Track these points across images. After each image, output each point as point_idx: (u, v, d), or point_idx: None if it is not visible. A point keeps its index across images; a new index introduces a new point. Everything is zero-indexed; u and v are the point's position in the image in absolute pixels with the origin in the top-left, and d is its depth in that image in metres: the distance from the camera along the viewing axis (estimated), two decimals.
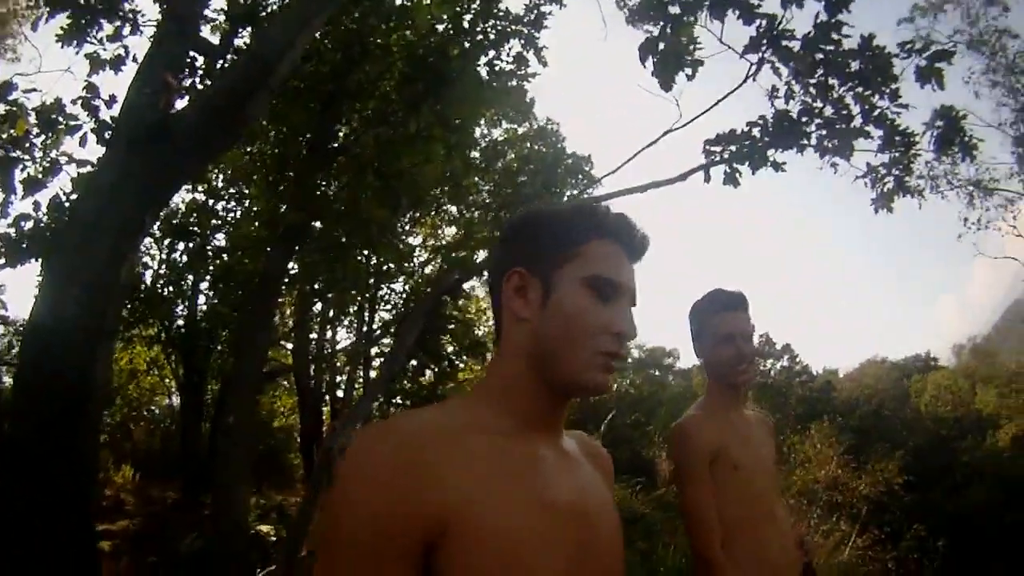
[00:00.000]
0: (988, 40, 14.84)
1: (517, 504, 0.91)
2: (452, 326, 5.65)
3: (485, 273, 6.23)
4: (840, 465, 13.11)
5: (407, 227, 7.89)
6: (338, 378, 11.21)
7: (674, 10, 4.81)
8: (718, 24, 5.03)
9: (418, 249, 7.97)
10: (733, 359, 2.30)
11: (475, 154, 6.96)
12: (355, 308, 8.51)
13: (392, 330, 7.65)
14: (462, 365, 6.74)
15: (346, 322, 9.49)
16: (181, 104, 4.59)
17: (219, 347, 11.31)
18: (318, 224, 6.31)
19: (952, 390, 20.06)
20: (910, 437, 16.50)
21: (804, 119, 5.72)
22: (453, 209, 7.62)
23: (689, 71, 4.92)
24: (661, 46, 4.82)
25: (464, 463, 0.90)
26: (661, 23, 4.84)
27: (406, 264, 7.10)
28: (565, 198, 6.34)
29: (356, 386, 10.48)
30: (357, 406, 5.17)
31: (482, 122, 7.67)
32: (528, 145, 8.36)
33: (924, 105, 6.12)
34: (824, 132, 5.86)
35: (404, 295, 7.67)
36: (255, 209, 7.91)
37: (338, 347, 10.76)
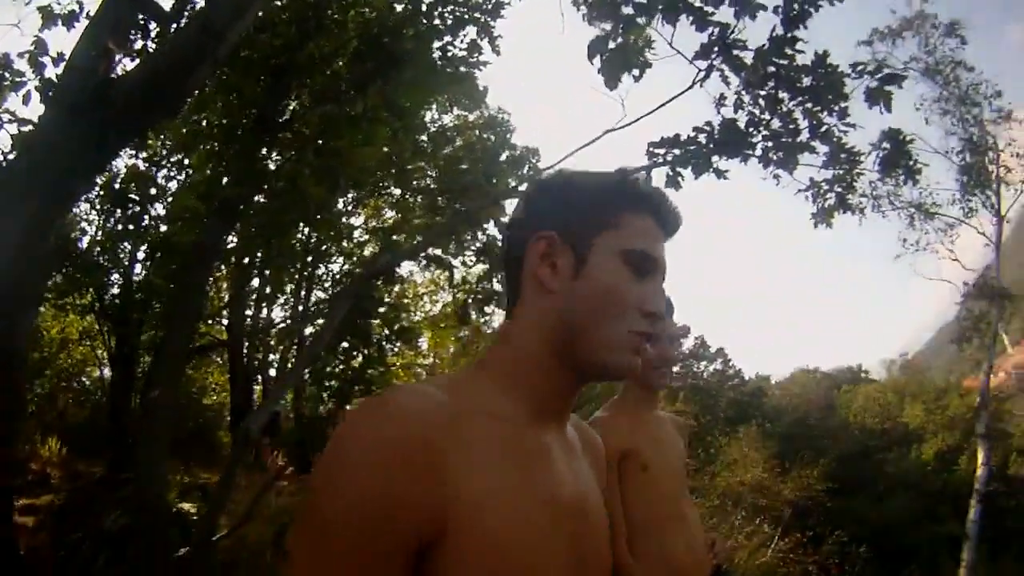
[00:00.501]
0: (943, 70, 15.24)
1: (524, 502, 0.84)
2: (383, 309, 5.59)
3: (422, 258, 6.21)
4: (766, 469, 13.47)
5: (350, 207, 7.76)
6: (271, 356, 11.00)
7: (627, 11, 4.80)
8: (671, 27, 5.06)
9: (359, 230, 7.85)
10: (655, 360, 2.31)
11: (423, 138, 6.89)
12: (292, 286, 8.35)
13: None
14: (393, 350, 6.71)
15: (282, 300, 9.31)
16: (131, 66, 4.47)
17: (153, 319, 10.99)
18: (261, 198, 6.20)
19: (880, 403, 20.70)
20: (836, 445, 17.03)
21: (751, 129, 5.78)
22: (397, 192, 7.51)
23: (636, 72, 4.93)
24: (611, 45, 4.82)
25: (471, 453, 0.81)
26: (612, 23, 4.84)
27: (344, 244, 6.98)
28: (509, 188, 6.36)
29: (289, 365, 10.29)
30: (278, 386, 5.08)
31: (434, 107, 7.61)
32: (476, 133, 8.32)
33: (873, 126, 6.26)
34: (770, 144, 5.94)
35: (341, 275, 7.55)
36: (197, 179, 7.70)
37: (273, 325, 10.52)
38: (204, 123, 7.54)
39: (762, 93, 5.88)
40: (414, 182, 6.80)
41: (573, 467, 0.97)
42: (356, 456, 0.76)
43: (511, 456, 0.86)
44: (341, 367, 5.30)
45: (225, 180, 6.05)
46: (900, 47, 15.47)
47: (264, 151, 6.47)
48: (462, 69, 6.31)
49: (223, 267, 8.51)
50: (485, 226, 5.70)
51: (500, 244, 1.06)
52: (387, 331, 5.54)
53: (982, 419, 13.65)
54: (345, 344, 5.29)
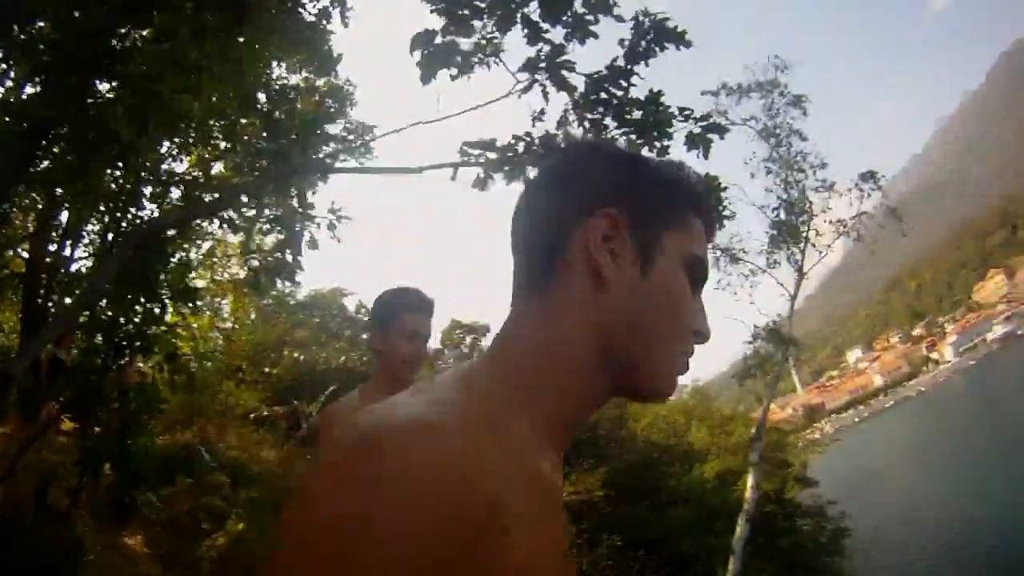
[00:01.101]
0: (779, 134, 16.87)
1: (552, 558, 0.67)
2: (170, 265, 5.43)
3: (215, 218, 6.03)
4: None
5: (174, 152, 7.45)
6: (68, 300, 10.10)
7: (463, 12, 4.99)
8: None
9: (177, 178, 7.52)
10: (409, 356, 2.53)
11: (262, 96, 6.76)
12: (98, 227, 7.86)
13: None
14: (191, 308, 6.51)
15: (86, 240, 8.67)
16: None
17: None
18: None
19: (668, 421, 22.44)
20: (622, 455, 18.22)
21: None
22: (224, 145, 7.29)
23: (454, 72, 5.10)
24: (437, 41, 4.97)
25: (514, 505, 0.61)
26: (447, 20, 5.00)
27: (155, 190, 6.71)
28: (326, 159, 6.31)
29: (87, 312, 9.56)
30: (45, 329, 4.79)
31: (283, 65, 7.50)
32: (317, 99, 8.26)
33: (697, 168, 6.82)
34: None
35: (148, 221, 7.20)
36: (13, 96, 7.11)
37: (74, 267, 9.74)
38: (40, 35, 7.00)
39: (589, 116, 6.26)
40: (244, 138, 6.67)
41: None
42: (406, 506, 0.55)
43: (539, 502, 0.68)
44: (122, 320, 5.07)
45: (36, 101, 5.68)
46: (744, 104, 16.93)
47: (94, 80, 6.12)
48: (308, 34, 6.25)
49: (33, 195, 7.90)
50: (293, 193, 5.67)
51: (526, 200, 0.81)
52: (171, 290, 5.34)
53: (756, 448, 15.21)
54: (130, 296, 5.10)
